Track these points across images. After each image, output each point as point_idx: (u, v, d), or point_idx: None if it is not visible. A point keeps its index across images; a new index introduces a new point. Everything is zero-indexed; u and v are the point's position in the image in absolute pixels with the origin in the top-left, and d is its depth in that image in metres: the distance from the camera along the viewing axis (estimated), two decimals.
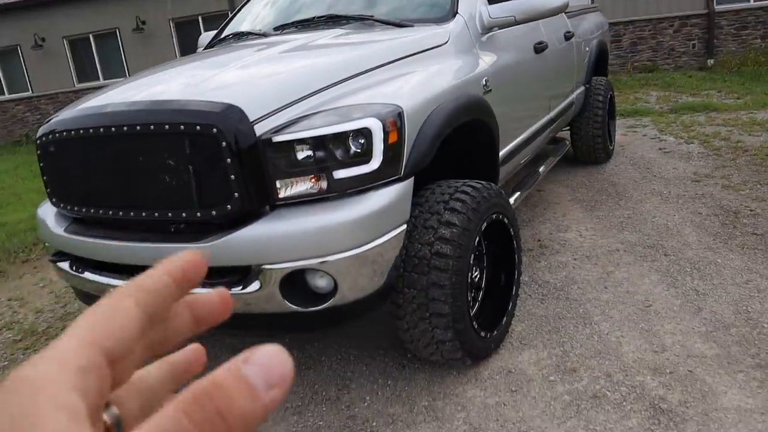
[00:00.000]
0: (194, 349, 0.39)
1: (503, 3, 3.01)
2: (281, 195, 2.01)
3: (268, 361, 0.27)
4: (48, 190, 2.48)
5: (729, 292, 2.99)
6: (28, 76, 14.68)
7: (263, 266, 1.97)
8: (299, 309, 2.03)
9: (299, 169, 1.99)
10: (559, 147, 4.64)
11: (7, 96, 15.01)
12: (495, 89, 2.80)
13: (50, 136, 2.35)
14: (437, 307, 2.23)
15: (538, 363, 2.58)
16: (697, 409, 2.20)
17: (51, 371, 0.26)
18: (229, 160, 1.94)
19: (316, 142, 1.98)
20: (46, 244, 2.67)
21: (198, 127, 1.96)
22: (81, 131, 2.19)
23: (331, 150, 1.98)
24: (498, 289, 2.75)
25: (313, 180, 2.00)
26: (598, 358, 2.57)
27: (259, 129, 1.99)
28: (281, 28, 3.21)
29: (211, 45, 3.68)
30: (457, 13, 2.89)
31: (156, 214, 2.11)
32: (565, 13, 4.66)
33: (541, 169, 3.89)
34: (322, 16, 3.11)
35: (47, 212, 2.61)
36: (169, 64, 2.96)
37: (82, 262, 2.44)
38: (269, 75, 2.40)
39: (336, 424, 2.34)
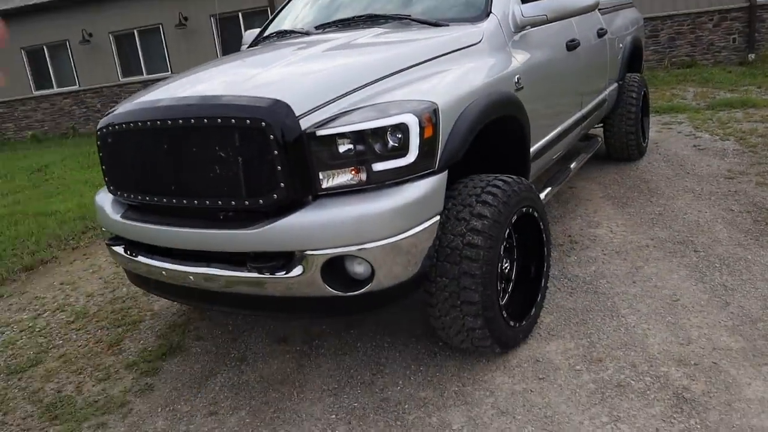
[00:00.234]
0: None
1: (535, 2, 3.09)
2: (323, 185, 2.15)
3: None
4: (106, 178, 2.67)
5: (758, 288, 3.03)
6: (75, 71, 15.19)
7: (306, 252, 2.11)
8: (338, 293, 2.16)
9: (340, 162, 2.13)
10: (591, 144, 4.69)
11: (55, 89, 15.55)
12: (527, 86, 2.89)
13: (109, 128, 2.53)
14: (468, 295, 2.34)
15: (565, 353, 2.67)
16: (720, 399, 2.27)
17: None
18: (276, 152, 2.09)
19: (357, 136, 2.11)
20: (103, 229, 2.87)
21: (248, 121, 2.11)
22: (138, 123, 2.37)
23: (371, 144, 2.12)
24: (528, 281, 2.85)
25: (353, 172, 2.14)
26: (624, 349, 2.65)
27: (304, 123, 2.13)
28: (323, 27, 3.35)
29: (255, 43, 3.85)
30: (490, 12, 2.98)
31: (207, 202, 2.27)
32: (599, 9, 4.70)
33: (573, 165, 3.96)
34: (361, 16, 3.24)
35: (104, 200, 2.81)
36: (217, 62, 3.13)
37: (136, 247, 2.62)
38: (313, 72, 2.54)
39: (370, 406, 2.47)
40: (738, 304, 2.91)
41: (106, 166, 2.65)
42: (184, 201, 2.34)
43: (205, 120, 2.21)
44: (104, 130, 2.57)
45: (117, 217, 2.65)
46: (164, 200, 2.41)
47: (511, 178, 2.56)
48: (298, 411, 2.49)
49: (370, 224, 2.07)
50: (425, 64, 2.53)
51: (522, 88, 2.86)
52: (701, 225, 3.90)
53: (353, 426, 2.36)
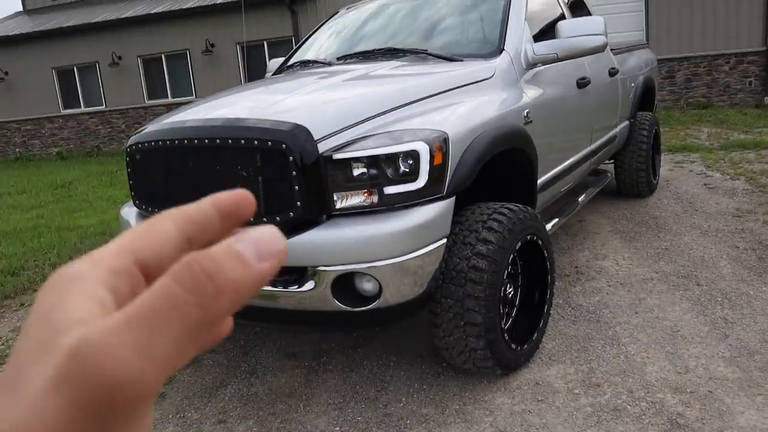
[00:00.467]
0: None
1: (547, 41, 3.25)
2: (337, 206, 2.28)
3: (260, 238, 0.28)
4: (132, 193, 2.83)
5: (757, 322, 3.10)
6: (103, 91, 15.64)
7: (318, 268, 2.24)
8: (346, 308, 2.28)
9: (354, 184, 2.27)
10: (601, 178, 4.80)
11: (82, 109, 16.00)
12: (536, 121, 3.03)
13: (138, 146, 2.70)
14: (471, 316, 2.45)
15: (565, 377, 2.75)
16: (713, 425, 2.34)
17: (86, 269, 0.28)
18: (294, 173, 2.24)
19: (370, 161, 2.26)
20: None
21: (269, 143, 2.26)
22: (166, 142, 2.53)
23: (383, 168, 2.26)
24: (532, 307, 2.95)
25: (365, 194, 2.28)
26: (622, 375, 2.73)
27: (322, 147, 2.27)
28: (344, 58, 3.53)
29: (279, 71, 4.04)
30: (503, 50, 3.14)
31: None
32: (612, 49, 4.86)
33: (581, 198, 4.07)
34: (381, 49, 3.41)
35: (130, 213, 2.97)
36: (242, 87, 3.31)
37: None
38: (333, 100, 2.71)
39: (373, 420, 2.57)
40: (737, 337, 2.98)
41: (133, 181, 2.82)
42: None
43: (230, 141, 2.36)
44: (133, 147, 2.75)
45: None
46: None
47: (517, 206, 2.68)
48: (304, 422, 2.59)
49: (380, 244, 2.20)
50: (438, 96, 2.68)
51: (531, 122, 3.00)
52: (706, 260, 3.97)
53: None
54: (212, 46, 14.29)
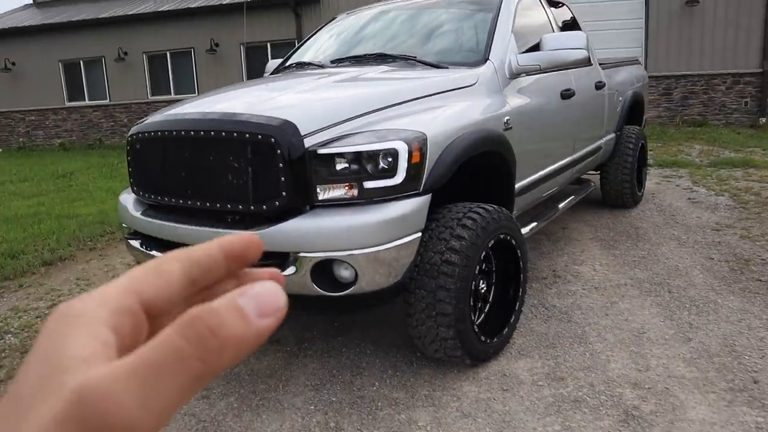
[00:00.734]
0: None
1: (531, 53, 3.42)
2: (320, 197, 2.44)
3: (262, 294, 0.29)
4: (131, 180, 2.99)
5: (720, 328, 3.26)
6: (107, 86, 15.84)
7: (299, 254, 2.40)
8: (324, 293, 2.44)
9: (336, 178, 2.43)
10: (583, 187, 4.96)
11: (86, 102, 16.19)
12: (515, 127, 3.19)
13: (139, 136, 2.87)
14: (442, 307, 2.61)
15: (531, 370, 2.91)
16: (665, 418, 2.49)
17: (92, 307, 0.29)
18: (281, 165, 2.40)
19: (352, 157, 2.42)
20: (123, 225, 3.18)
21: (259, 137, 2.43)
22: (165, 133, 2.69)
23: (364, 164, 2.42)
24: (505, 304, 3.10)
25: (347, 187, 2.44)
26: (585, 371, 2.88)
27: (308, 142, 2.44)
28: (337, 62, 3.70)
29: (276, 71, 4.21)
30: (488, 59, 3.31)
31: (218, 205, 2.57)
32: (601, 64, 5.03)
33: (561, 205, 4.23)
34: (372, 54, 3.58)
35: (127, 199, 3.13)
36: (240, 85, 3.48)
37: (151, 242, 2.92)
38: (322, 99, 2.87)
39: (346, 401, 2.72)
40: (699, 341, 3.13)
41: (132, 169, 2.98)
42: (198, 203, 2.65)
43: (223, 133, 2.53)
44: (134, 136, 2.91)
45: (137, 214, 2.96)
46: (180, 202, 2.72)
47: (492, 207, 2.84)
48: (281, 401, 2.74)
49: (358, 234, 2.36)
50: (421, 99, 2.85)
51: (511, 128, 3.16)
52: (680, 269, 4.13)
53: (329, 417, 2.60)
54: (217, 45, 14.49)
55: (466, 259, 2.62)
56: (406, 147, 2.43)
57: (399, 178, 2.44)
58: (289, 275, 2.43)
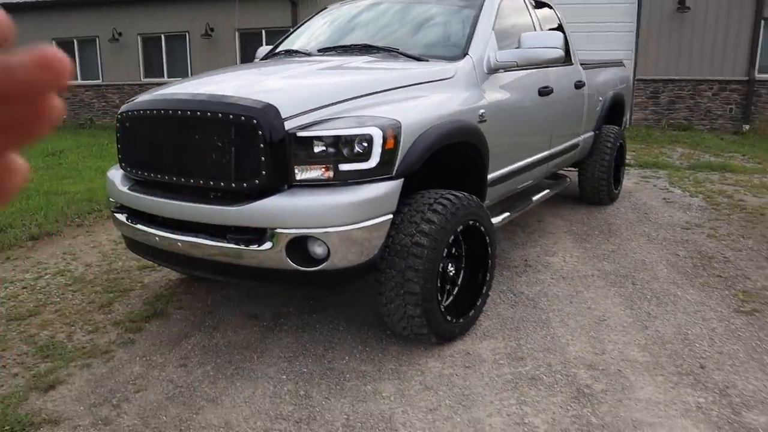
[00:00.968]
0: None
1: (509, 50, 3.57)
2: (297, 178, 2.59)
3: None
4: (119, 156, 3.12)
5: (677, 318, 3.43)
6: (101, 66, 15.84)
7: (276, 230, 2.54)
8: (298, 268, 2.59)
9: (314, 160, 2.57)
10: (559, 182, 5.12)
11: (79, 81, 16.19)
12: (490, 120, 3.34)
13: (128, 114, 2.99)
14: (410, 286, 2.76)
15: (494, 350, 3.07)
16: (614, 396, 2.67)
17: None
18: (262, 145, 2.54)
19: (330, 141, 2.56)
20: (111, 199, 3.30)
21: (243, 118, 2.56)
22: (154, 112, 2.82)
23: (340, 148, 2.56)
24: (473, 288, 3.26)
25: (323, 169, 2.58)
26: (545, 352, 3.05)
27: (288, 125, 2.58)
28: (324, 51, 3.83)
29: (266, 57, 4.33)
30: (467, 54, 3.45)
31: (201, 182, 2.71)
32: (583, 64, 5.19)
33: (535, 197, 4.39)
34: (357, 45, 3.72)
35: (115, 174, 3.25)
36: (230, 68, 3.61)
37: (136, 216, 3.06)
38: (305, 85, 3.01)
39: (317, 372, 2.88)
40: (655, 329, 3.31)
41: (121, 146, 3.10)
42: (183, 180, 2.78)
43: (209, 114, 2.66)
44: (124, 114, 3.03)
45: (125, 189, 3.09)
46: (166, 178, 2.85)
47: (462, 194, 3.00)
48: (255, 371, 2.89)
49: (331, 213, 2.51)
50: (400, 89, 2.99)
51: (485, 121, 3.31)
52: (646, 264, 4.31)
53: (299, 386, 2.76)
54: (212, 30, 14.53)
55: (435, 242, 2.77)
56: (380, 133, 2.58)
57: (373, 162, 2.58)
58: (265, 250, 2.57)
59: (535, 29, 4.41)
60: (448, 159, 3.18)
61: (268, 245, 2.57)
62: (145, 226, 2.99)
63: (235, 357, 3.03)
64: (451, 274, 3.11)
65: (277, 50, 4.34)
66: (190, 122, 2.72)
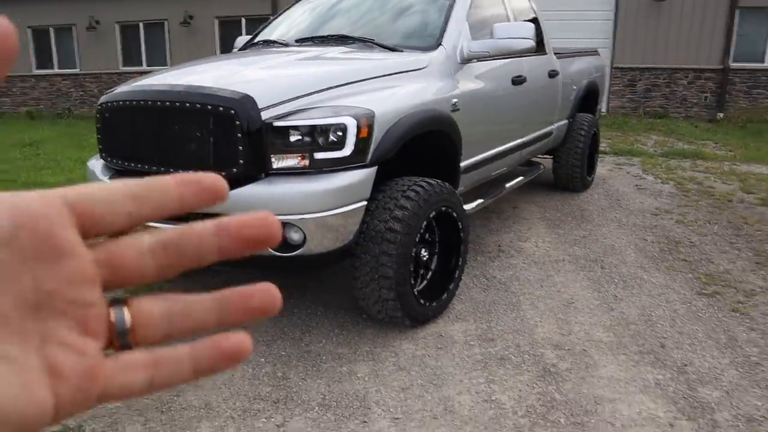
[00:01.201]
0: (263, 289, 0.35)
1: (481, 41, 3.67)
2: (274, 166, 2.67)
3: None
4: (100, 146, 3.17)
5: (642, 300, 3.58)
6: (78, 55, 15.67)
7: None
8: (276, 254, 2.67)
9: (290, 149, 2.65)
10: (533, 169, 5.25)
11: (56, 70, 16.00)
12: (463, 109, 3.44)
13: (108, 104, 3.05)
14: (384, 271, 2.86)
15: (465, 332, 3.19)
16: (578, 374, 2.80)
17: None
18: (239, 135, 2.61)
19: (305, 130, 2.64)
20: None
21: (221, 108, 2.63)
22: (133, 102, 2.88)
23: (315, 137, 2.65)
24: (447, 272, 3.37)
25: (299, 158, 2.66)
26: (514, 333, 3.18)
27: (265, 115, 2.65)
28: (301, 41, 3.90)
29: (244, 47, 4.39)
30: (441, 44, 3.54)
31: (180, 171, 2.77)
32: (557, 53, 5.30)
33: (509, 184, 4.51)
34: (333, 35, 3.79)
35: (96, 164, 3.31)
36: (208, 59, 3.67)
37: None
38: (282, 76, 3.08)
39: (294, 355, 2.97)
40: (620, 311, 3.45)
41: (101, 136, 3.16)
42: (163, 169, 2.85)
43: (188, 104, 2.73)
44: (104, 105, 3.08)
45: (105, 179, 3.14)
46: (146, 167, 2.92)
47: (435, 181, 3.10)
48: None
49: (307, 200, 2.60)
50: (374, 79, 3.07)
51: (458, 110, 3.41)
52: (615, 248, 4.46)
53: (277, 368, 2.86)
54: (191, 18, 14.43)
55: (408, 227, 2.87)
56: (354, 122, 2.66)
57: (347, 150, 2.67)
58: None
59: (508, 20, 4.51)
60: (422, 147, 3.28)
61: None
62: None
63: None
64: (425, 259, 3.22)
65: (256, 40, 4.39)
66: (169, 113, 2.79)
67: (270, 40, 4.19)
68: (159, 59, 14.96)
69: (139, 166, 2.95)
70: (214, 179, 0.35)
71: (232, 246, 0.34)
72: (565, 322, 3.31)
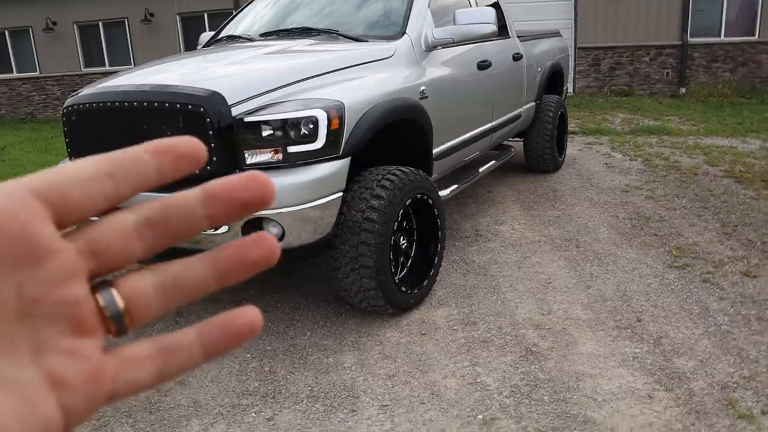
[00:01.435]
0: (257, 239, 0.34)
1: (445, 27, 3.69)
2: (248, 162, 2.66)
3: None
4: (68, 150, 3.12)
5: (617, 276, 3.66)
6: (37, 57, 15.29)
7: None
8: None
9: (262, 143, 2.65)
10: (504, 153, 5.30)
11: (15, 74, 15.59)
12: (432, 96, 3.46)
13: (74, 107, 2.99)
14: (364, 260, 2.88)
15: (448, 317, 3.23)
16: (559, 352, 2.86)
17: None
18: (211, 132, 2.60)
19: (277, 124, 2.64)
20: None
21: (190, 107, 2.61)
22: (100, 104, 2.84)
23: (287, 131, 2.64)
24: (427, 259, 3.40)
25: (272, 152, 2.66)
26: (495, 316, 3.23)
27: (235, 111, 2.64)
28: (266, 35, 3.87)
29: (208, 44, 4.33)
30: (405, 33, 3.55)
31: None
32: (520, 36, 5.35)
33: (482, 169, 4.55)
34: (298, 28, 3.77)
35: None
36: (173, 57, 3.62)
37: None
38: (249, 71, 3.06)
39: (280, 349, 2.98)
40: (597, 288, 3.52)
41: (69, 140, 3.10)
42: None
43: (156, 104, 2.70)
44: (69, 108, 3.03)
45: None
46: None
47: (409, 169, 3.12)
48: None
49: (282, 194, 2.59)
50: (342, 70, 3.07)
51: (426, 97, 3.43)
52: (589, 227, 4.54)
53: (264, 362, 2.86)
54: (152, 15, 14.17)
55: (385, 216, 2.89)
56: (325, 115, 2.67)
57: (320, 143, 2.67)
58: (222, 233, 2.65)
59: (470, 5, 4.53)
60: (394, 136, 3.29)
61: (224, 229, 2.64)
62: (98, 218, 3.01)
63: None
64: (404, 246, 3.25)
65: (220, 36, 4.35)
66: (137, 113, 2.75)
67: (234, 36, 4.15)
68: (122, 59, 14.67)
69: None
70: (190, 143, 0.32)
71: (223, 213, 0.32)
72: (544, 302, 3.37)
